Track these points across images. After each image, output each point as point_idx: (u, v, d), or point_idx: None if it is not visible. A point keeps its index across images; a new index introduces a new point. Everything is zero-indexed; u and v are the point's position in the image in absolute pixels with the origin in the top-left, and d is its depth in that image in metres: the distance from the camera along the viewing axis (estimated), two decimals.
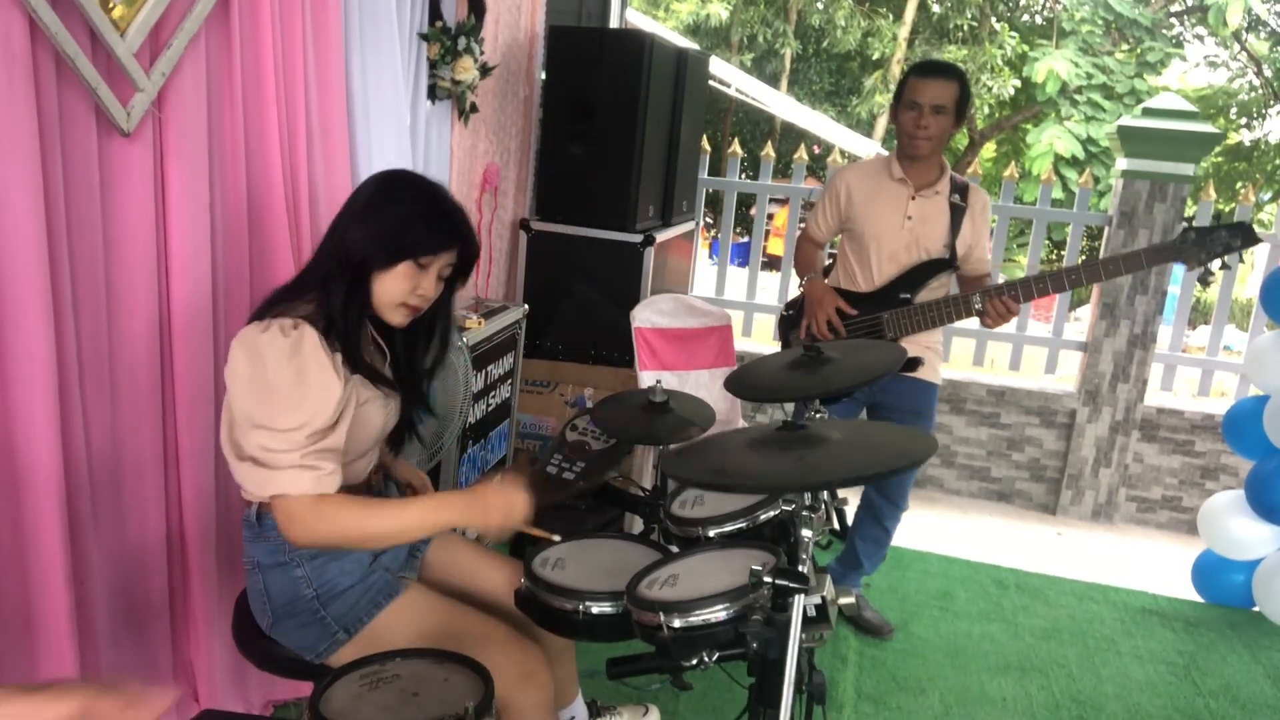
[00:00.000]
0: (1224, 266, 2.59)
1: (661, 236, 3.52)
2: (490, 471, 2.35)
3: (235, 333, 1.54)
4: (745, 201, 9.52)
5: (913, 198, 2.73)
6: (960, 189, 2.76)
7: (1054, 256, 13.82)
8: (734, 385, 1.86)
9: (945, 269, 2.75)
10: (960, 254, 2.76)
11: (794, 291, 3.06)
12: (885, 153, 3.01)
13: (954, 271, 2.77)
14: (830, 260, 3.02)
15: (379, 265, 1.57)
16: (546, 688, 1.65)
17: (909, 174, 2.73)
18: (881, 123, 13.72)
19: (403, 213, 1.58)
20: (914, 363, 2.73)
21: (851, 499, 2.01)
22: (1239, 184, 14.33)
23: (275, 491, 1.47)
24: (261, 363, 1.47)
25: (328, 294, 1.56)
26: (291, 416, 1.46)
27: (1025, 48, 13.35)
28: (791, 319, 2.93)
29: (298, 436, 1.46)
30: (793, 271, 3.12)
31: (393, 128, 2.47)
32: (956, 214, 2.74)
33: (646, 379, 3.21)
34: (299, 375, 1.47)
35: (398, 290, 1.59)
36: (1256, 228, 2.63)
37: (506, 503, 1.59)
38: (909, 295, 2.75)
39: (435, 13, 2.73)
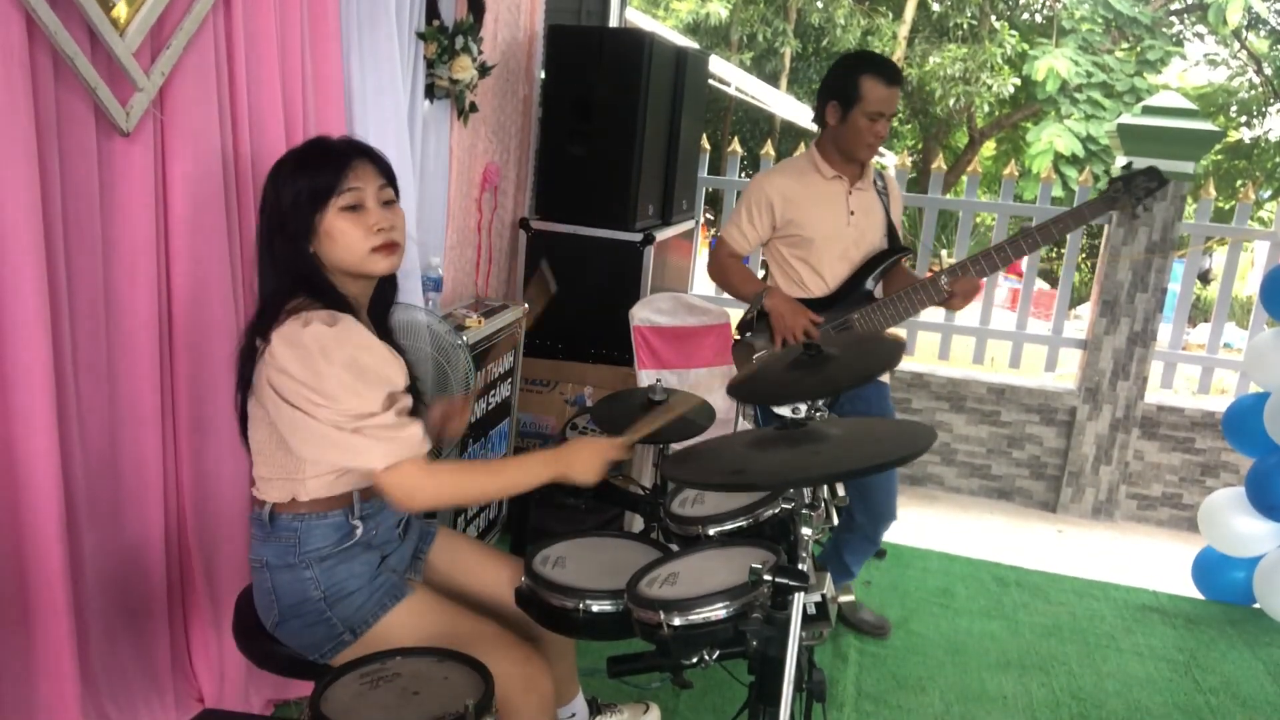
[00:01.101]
0: (1146, 210, 2.78)
1: (661, 235, 3.52)
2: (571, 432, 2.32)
3: (239, 329, 1.54)
4: None
5: (850, 193, 2.66)
6: (879, 177, 2.75)
7: (1054, 255, 13.81)
8: (735, 389, 1.86)
9: (897, 257, 2.71)
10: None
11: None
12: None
13: (907, 256, 2.75)
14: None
15: (307, 236, 1.55)
16: (547, 694, 1.65)
17: (841, 171, 2.66)
18: None
19: (285, 178, 1.57)
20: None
21: None
22: (1239, 182, 14.32)
23: (396, 458, 1.49)
24: (311, 357, 1.47)
25: (308, 295, 1.56)
26: (362, 400, 1.48)
27: (1025, 46, 13.34)
28: (749, 344, 2.75)
29: (376, 409, 1.49)
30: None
31: (392, 126, 2.47)
32: (883, 201, 2.73)
33: (646, 377, 3.22)
34: (355, 361, 1.49)
35: (354, 242, 1.56)
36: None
37: (588, 462, 1.61)
38: (870, 290, 2.69)
39: (433, 11, 2.72)
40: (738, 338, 2.80)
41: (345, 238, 1.55)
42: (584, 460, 1.60)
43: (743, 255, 2.77)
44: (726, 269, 2.77)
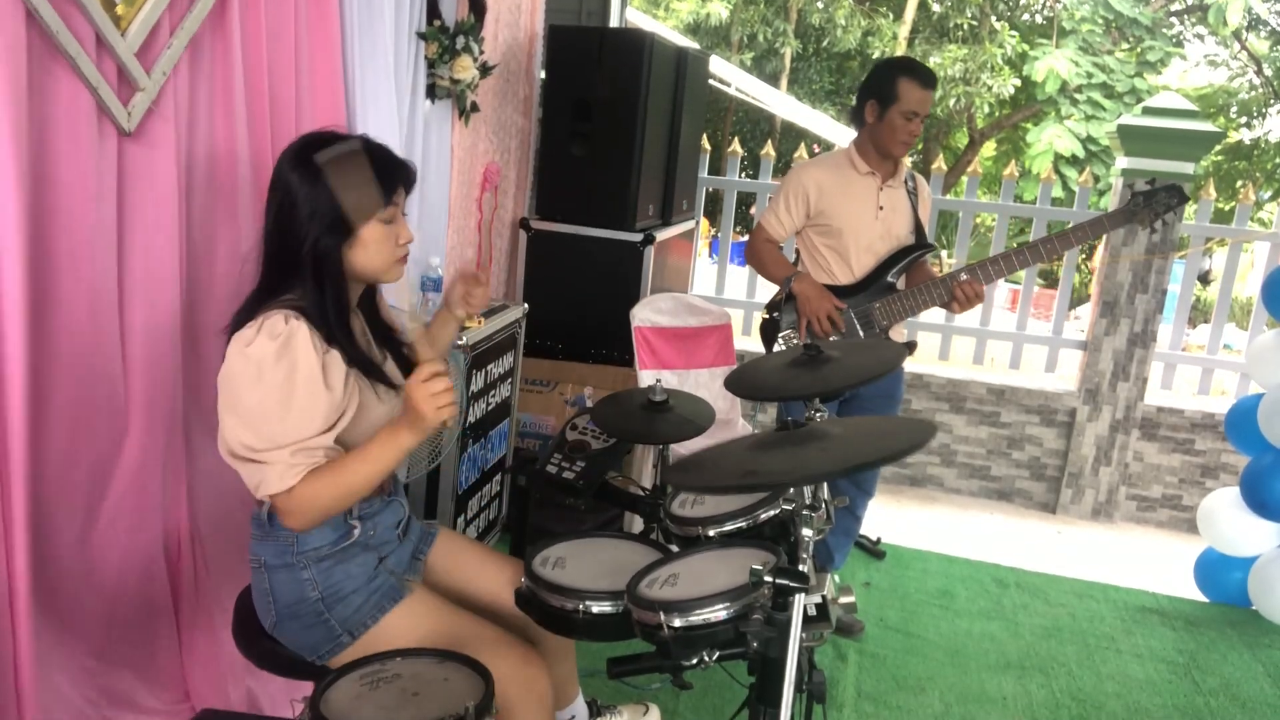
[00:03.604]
0: (1164, 224, 2.83)
1: (661, 235, 3.52)
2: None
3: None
4: (745, 201, 9.52)
5: (881, 189, 2.79)
6: (910, 177, 2.88)
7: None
8: (734, 384, 1.86)
9: (920, 253, 2.83)
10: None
11: (774, 290, 3.00)
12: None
13: (929, 252, 2.87)
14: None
15: (344, 244, 1.56)
16: (546, 696, 1.65)
17: (875, 168, 2.79)
18: None
19: (338, 183, 1.53)
20: (911, 347, 2.86)
21: None
22: (1239, 183, 14.32)
23: (266, 493, 1.48)
24: (248, 371, 1.47)
25: (303, 294, 1.55)
26: (276, 431, 1.46)
27: (1025, 47, 13.34)
28: (776, 322, 2.90)
29: (285, 443, 1.47)
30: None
31: (392, 126, 2.47)
32: (912, 200, 2.85)
33: (646, 378, 3.21)
34: (286, 387, 1.47)
35: (385, 252, 1.61)
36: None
37: (426, 395, 1.49)
38: (893, 282, 2.81)
39: (433, 11, 2.72)
40: (765, 316, 2.94)
41: (379, 246, 1.60)
42: (420, 404, 1.49)
43: (779, 241, 2.91)
44: (762, 253, 2.91)
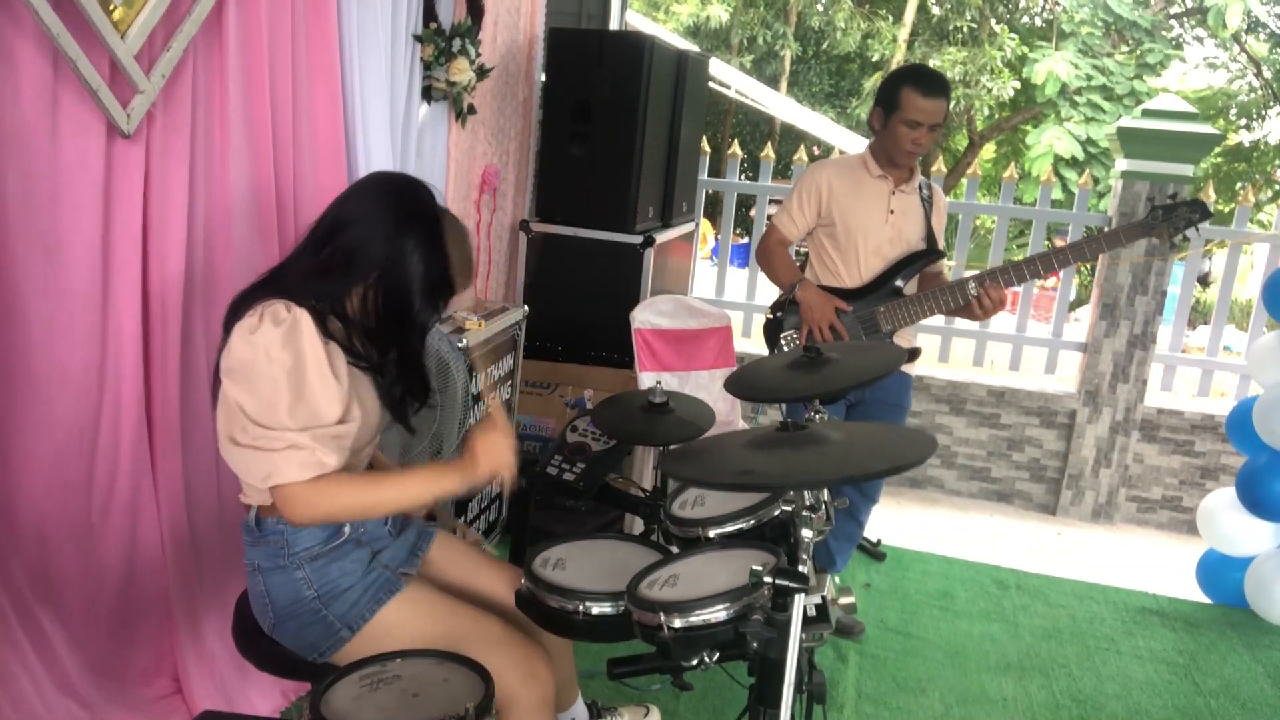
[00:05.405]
0: (1185, 239, 2.80)
1: (661, 238, 3.53)
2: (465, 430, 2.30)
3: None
4: (745, 203, 9.52)
5: (893, 193, 2.79)
6: (926, 185, 2.88)
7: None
8: (734, 386, 1.86)
9: (930, 259, 2.83)
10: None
11: (773, 293, 3.00)
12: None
13: (939, 259, 2.86)
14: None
15: (436, 305, 1.64)
16: (548, 685, 1.65)
17: (888, 172, 2.80)
18: None
19: (446, 267, 1.62)
20: (914, 353, 2.82)
21: None
22: (1238, 185, 14.33)
23: (274, 482, 1.46)
24: (256, 357, 1.46)
25: (354, 318, 1.58)
26: (289, 415, 1.46)
27: (1025, 49, 13.33)
28: (779, 322, 2.90)
29: (294, 428, 1.46)
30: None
31: (388, 128, 2.48)
32: (925, 208, 2.85)
33: (646, 380, 3.22)
34: (296, 373, 1.47)
35: None
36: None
37: (490, 448, 1.61)
38: (900, 287, 2.80)
39: (430, 14, 2.73)
40: (769, 315, 2.93)
41: None
42: (489, 458, 1.61)
43: (791, 241, 2.91)
44: (772, 254, 2.90)
